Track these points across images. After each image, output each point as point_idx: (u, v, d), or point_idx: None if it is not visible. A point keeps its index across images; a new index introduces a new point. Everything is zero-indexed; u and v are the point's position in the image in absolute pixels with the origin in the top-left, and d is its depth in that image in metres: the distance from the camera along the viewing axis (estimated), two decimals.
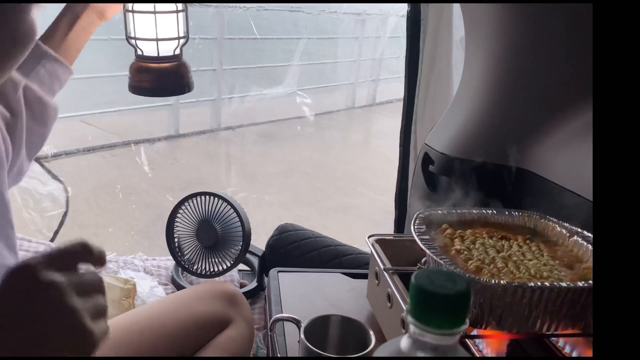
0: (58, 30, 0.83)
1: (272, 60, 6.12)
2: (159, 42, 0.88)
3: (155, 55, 0.88)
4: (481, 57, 1.02)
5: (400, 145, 1.47)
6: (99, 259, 0.46)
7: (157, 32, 0.87)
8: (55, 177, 1.80)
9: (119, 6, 0.87)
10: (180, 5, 0.89)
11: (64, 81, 0.84)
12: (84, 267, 0.46)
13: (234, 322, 0.99)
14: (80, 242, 0.45)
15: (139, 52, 0.89)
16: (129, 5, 0.86)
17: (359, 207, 3.49)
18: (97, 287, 0.45)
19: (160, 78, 0.89)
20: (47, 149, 3.39)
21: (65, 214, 1.81)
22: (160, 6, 0.86)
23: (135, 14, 0.87)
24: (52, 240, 1.72)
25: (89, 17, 0.84)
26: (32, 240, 1.56)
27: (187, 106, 4.83)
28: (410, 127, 1.43)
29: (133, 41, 0.88)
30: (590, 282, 0.62)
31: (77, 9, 0.83)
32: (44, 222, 1.87)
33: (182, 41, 0.90)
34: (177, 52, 0.90)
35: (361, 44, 6.32)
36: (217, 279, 1.40)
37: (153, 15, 0.86)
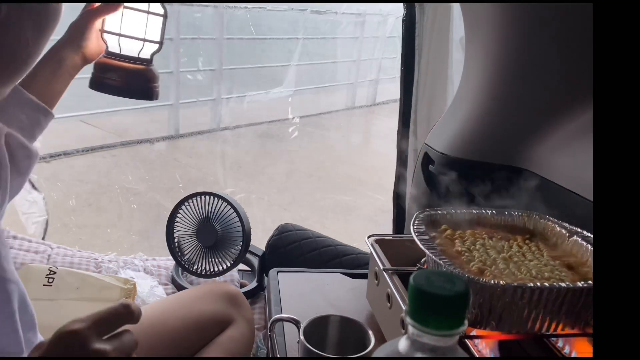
0: (41, 77, 0.81)
1: (272, 60, 6.12)
2: (121, 38, 0.84)
3: (118, 52, 0.86)
4: (481, 57, 1.02)
5: (397, 145, 1.47)
6: (137, 317, 0.50)
7: (121, 27, 0.83)
8: (33, 187, 1.79)
9: (102, 49, 0.85)
10: (158, 9, 0.86)
11: (44, 127, 0.82)
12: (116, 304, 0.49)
13: (235, 322, 1.00)
14: (122, 304, 0.49)
15: (105, 47, 0.87)
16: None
17: (359, 207, 3.49)
18: (133, 348, 0.49)
19: (122, 77, 0.85)
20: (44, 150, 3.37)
21: (47, 221, 1.82)
22: (132, 4, 0.84)
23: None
24: None
25: (74, 61, 0.83)
26: (32, 240, 1.56)
27: (187, 106, 4.83)
28: (407, 127, 1.43)
29: (104, 35, 0.85)
30: (590, 282, 0.61)
31: (62, 54, 0.82)
32: (31, 228, 1.87)
33: (151, 46, 0.87)
34: (144, 55, 0.87)
35: (361, 44, 6.33)
36: (217, 279, 1.40)
37: (121, 9, 0.83)
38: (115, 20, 0.84)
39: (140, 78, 0.88)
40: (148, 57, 0.88)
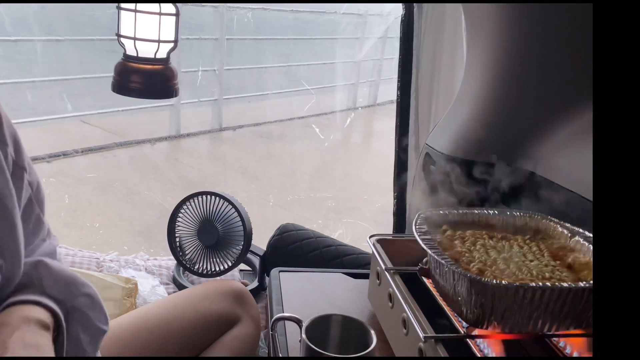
0: None
1: (273, 60, 6.13)
2: (137, 41, 0.86)
3: (135, 55, 0.87)
4: (482, 57, 1.03)
5: (396, 146, 1.47)
6: None
7: (136, 31, 0.85)
8: None
9: None
10: (169, 9, 0.87)
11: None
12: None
13: (242, 320, 0.99)
14: None
15: (124, 51, 0.88)
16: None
17: (359, 207, 3.50)
18: None
19: (142, 79, 0.88)
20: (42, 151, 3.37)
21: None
22: (142, 6, 0.85)
23: (121, 11, 0.86)
24: None
25: None
26: None
27: (188, 106, 4.83)
28: (406, 127, 1.43)
29: (121, 39, 0.88)
30: (592, 282, 0.62)
31: None
32: None
33: (166, 45, 0.88)
34: (161, 55, 0.88)
35: (362, 44, 6.33)
36: (218, 278, 1.40)
37: (134, 13, 0.85)
38: (129, 24, 0.85)
39: (160, 78, 0.89)
40: (165, 56, 0.89)
